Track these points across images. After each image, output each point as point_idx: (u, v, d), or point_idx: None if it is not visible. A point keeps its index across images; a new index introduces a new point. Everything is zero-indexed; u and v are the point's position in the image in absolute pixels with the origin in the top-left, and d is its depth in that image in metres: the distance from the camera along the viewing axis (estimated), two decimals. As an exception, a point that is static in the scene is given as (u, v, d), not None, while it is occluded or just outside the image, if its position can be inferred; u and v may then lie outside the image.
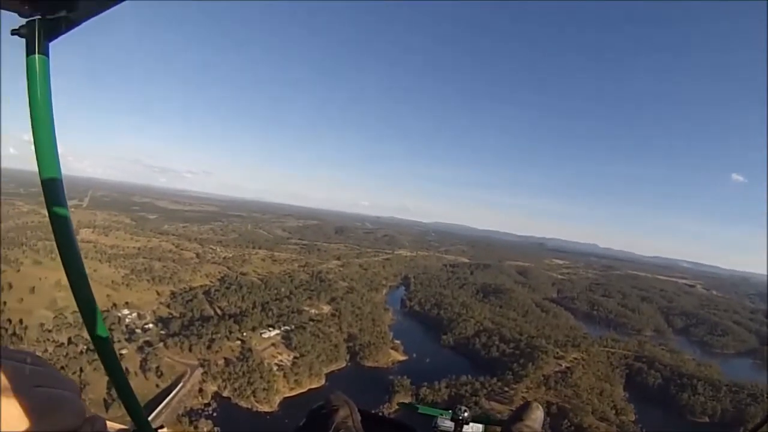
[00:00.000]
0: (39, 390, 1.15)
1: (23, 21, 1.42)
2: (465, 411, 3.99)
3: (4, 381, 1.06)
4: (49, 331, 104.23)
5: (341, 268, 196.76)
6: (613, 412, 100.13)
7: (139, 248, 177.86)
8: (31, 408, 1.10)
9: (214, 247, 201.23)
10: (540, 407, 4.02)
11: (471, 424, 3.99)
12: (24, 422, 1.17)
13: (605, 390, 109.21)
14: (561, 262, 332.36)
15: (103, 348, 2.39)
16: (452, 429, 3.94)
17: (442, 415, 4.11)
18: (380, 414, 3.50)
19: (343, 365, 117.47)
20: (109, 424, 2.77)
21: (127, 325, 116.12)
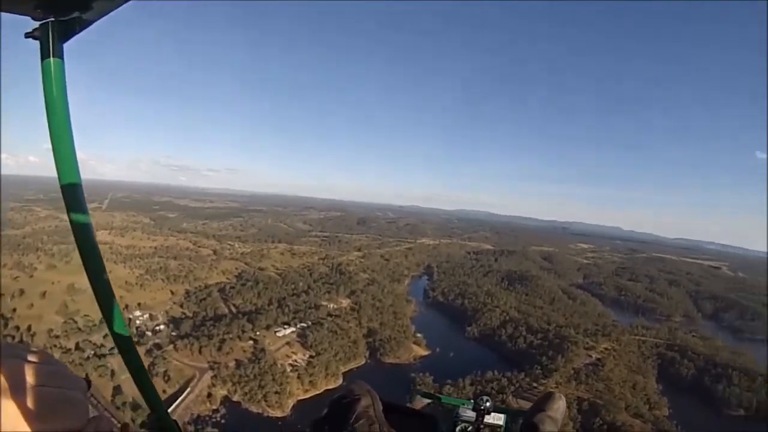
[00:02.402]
0: (43, 389, 1.21)
1: (36, 24, 1.60)
2: (487, 401, 3.72)
3: (8, 380, 1.17)
4: (57, 336, 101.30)
5: (362, 260, 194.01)
6: (647, 406, 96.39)
7: (155, 248, 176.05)
8: (32, 408, 1.16)
9: (233, 243, 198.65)
10: (562, 397, 3.87)
11: (493, 414, 3.78)
12: (25, 422, 1.16)
13: (638, 383, 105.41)
14: (585, 246, 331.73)
15: (126, 349, 2.66)
16: (473, 419, 3.74)
17: (464, 405, 3.96)
18: (402, 404, 3.55)
19: (362, 363, 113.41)
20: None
21: (137, 327, 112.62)
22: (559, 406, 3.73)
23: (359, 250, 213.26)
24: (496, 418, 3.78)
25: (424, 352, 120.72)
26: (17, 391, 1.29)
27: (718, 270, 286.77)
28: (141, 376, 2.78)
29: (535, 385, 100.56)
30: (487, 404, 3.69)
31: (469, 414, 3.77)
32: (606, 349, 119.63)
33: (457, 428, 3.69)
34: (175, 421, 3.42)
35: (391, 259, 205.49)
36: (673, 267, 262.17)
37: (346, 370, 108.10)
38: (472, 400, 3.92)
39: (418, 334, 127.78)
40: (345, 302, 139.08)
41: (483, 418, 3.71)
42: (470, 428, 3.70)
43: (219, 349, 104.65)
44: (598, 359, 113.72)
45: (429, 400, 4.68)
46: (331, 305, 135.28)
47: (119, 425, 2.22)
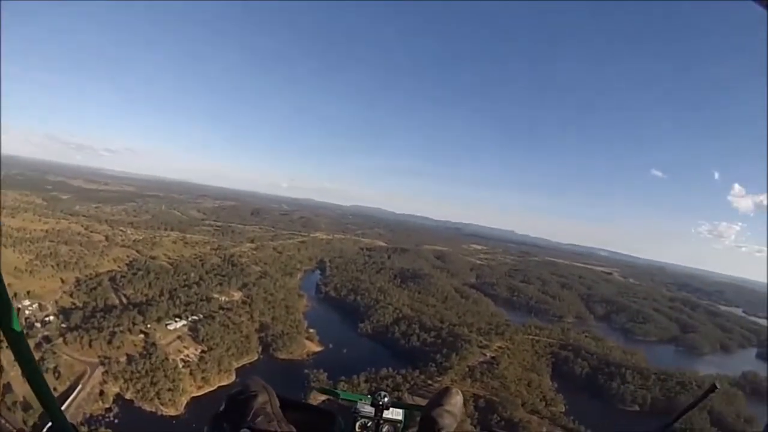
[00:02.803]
0: None
1: None
2: (385, 396, 3.96)
3: None
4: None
5: (255, 252, 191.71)
6: (543, 403, 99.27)
7: (47, 231, 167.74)
8: None
9: (125, 229, 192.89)
10: (459, 392, 4.20)
11: (391, 409, 3.96)
12: None
13: (533, 380, 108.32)
14: (479, 247, 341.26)
15: (18, 344, 2.44)
16: (372, 414, 3.93)
17: (361, 400, 4.10)
18: (299, 400, 3.63)
19: (255, 358, 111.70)
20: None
21: (26, 318, 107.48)
22: (456, 401, 4.05)
23: (252, 241, 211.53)
24: (395, 413, 3.92)
25: (317, 348, 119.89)
26: None
27: (610, 275, 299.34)
28: (33, 373, 2.61)
29: (430, 382, 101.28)
30: (385, 399, 3.90)
31: (368, 409, 3.91)
32: (500, 347, 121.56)
33: (357, 424, 3.85)
34: (72, 424, 3.13)
35: (284, 252, 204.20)
36: (565, 271, 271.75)
37: (239, 365, 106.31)
38: (369, 396, 4.04)
39: (311, 330, 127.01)
40: (237, 295, 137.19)
41: (382, 413, 3.87)
42: (370, 424, 3.86)
43: (109, 342, 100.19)
44: (493, 357, 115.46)
45: (326, 396, 5.08)
46: (223, 298, 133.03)
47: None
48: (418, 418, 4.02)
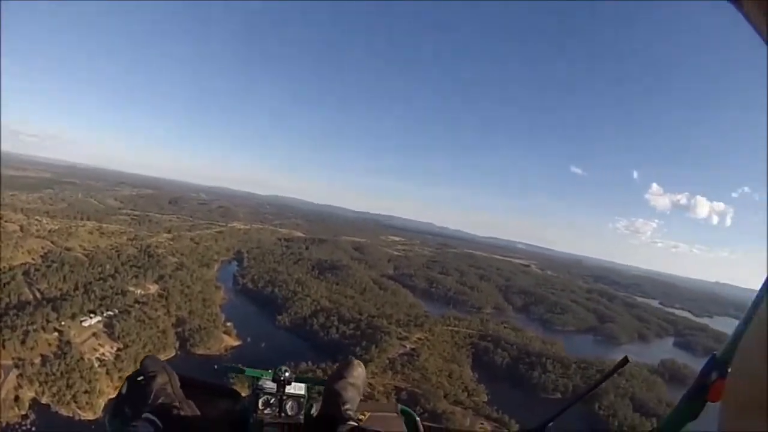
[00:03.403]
0: None
1: None
2: (286, 371, 3.81)
3: None
4: None
5: (172, 242, 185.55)
6: (465, 394, 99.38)
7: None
8: None
9: (41, 219, 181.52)
10: (361, 364, 4.23)
11: (293, 384, 3.88)
12: None
13: (454, 371, 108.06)
14: (397, 238, 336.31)
15: None
16: (275, 390, 3.79)
17: (263, 375, 3.99)
18: (200, 379, 3.83)
19: (173, 354, 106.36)
20: None
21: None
22: (359, 373, 4.01)
23: (169, 231, 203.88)
24: (297, 388, 3.85)
25: (235, 342, 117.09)
26: None
27: (528, 267, 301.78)
28: None
29: None
30: (287, 374, 3.76)
31: (270, 385, 3.77)
32: (419, 339, 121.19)
33: (260, 401, 3.69)
34: None
35: (201, 242, 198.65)
36: (483, 263, 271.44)
37: None
38: (271, 371, 3.91)
39: (228, 323, 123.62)
40: (153, 288, 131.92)
41: (284, 388, 3.74)
42: (273, 400, 3.72)
43: (23, 342, 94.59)
44: (413, 349, 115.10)
45: (231, 374, 5.03)
46: (139, 291, 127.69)
47: None
48: (321, 392, 4.06)
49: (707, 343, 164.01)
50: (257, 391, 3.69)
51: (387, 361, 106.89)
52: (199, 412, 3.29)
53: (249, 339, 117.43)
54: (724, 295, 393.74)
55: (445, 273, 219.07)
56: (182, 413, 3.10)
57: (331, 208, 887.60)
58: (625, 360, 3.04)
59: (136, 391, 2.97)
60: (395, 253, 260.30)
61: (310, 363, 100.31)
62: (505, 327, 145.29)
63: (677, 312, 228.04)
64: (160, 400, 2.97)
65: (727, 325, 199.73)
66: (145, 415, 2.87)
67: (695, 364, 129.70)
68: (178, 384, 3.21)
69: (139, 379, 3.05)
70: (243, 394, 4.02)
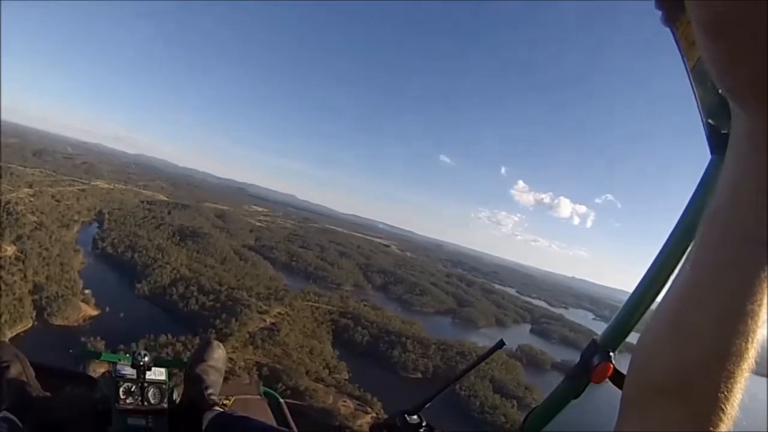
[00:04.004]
0: None
1: None
2: (146, 355, 3.79)
3: None
4: None
5: (32, 198, 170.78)
6: (327, 371, 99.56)
7: None
8: None
9: None
10: (221, 345, 4.38)
11: (153, 368, 3.80)
12: None
13: (315, 348, 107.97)
14: (260, 209, 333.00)
15: None
16: (135, 376, 3.72)
17: (121, 360, 3.91)
18: (55, 366, 3.78)
19: (30, 325, 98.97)
20: None
21: None
22: (219, 355, 4.15)
23: (31, 186, 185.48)
24: (158, 373, 3.76)
25: (94, 312, 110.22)
26: None
27: (388, 248, 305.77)
28: None
29: None
30: (146, 359, 3.69)
31: (129, 371, 3.67)
32: (280, 313, 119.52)
33: (121, 389, 3.58)
34: None
35: (62, 200, 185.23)
36: (344, 240, 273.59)
37: (13, 335, 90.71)
38: (129, 355, 3.84)
39: (86, 291, 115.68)
40: (10, 249, 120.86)
41: (144, 374, 3.68)
42: (134, 388, 3.62)
43: None
44: (273, 324, 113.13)
45: (87, 358, 5.01)
46: None
47: None
48: (183, 375, 4.05)
49: (563, 332, 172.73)
50: (117, 378, 3.57)
51: (247, 336, 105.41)
52: (58, 405, 3.18)
53: (108, 308, 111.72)
54: (580, 289, 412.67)
55: (306, 247, 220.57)
56: (41, 408, 3.00)
57: (196, 172, 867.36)
58: (501, 343, 3.01)
59: None
60: (257, 223, 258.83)
61: (169, 335, 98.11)
62: (365, 305, 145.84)
63: (534, 301, 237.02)
64: (13, 390, 2.89)
65: (581, 317, 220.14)
66: (2, 413, 2.82)
67: (551, 351, 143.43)
68: (33, 373, 3.11)
69: None
70: (98, 377, 3.85)
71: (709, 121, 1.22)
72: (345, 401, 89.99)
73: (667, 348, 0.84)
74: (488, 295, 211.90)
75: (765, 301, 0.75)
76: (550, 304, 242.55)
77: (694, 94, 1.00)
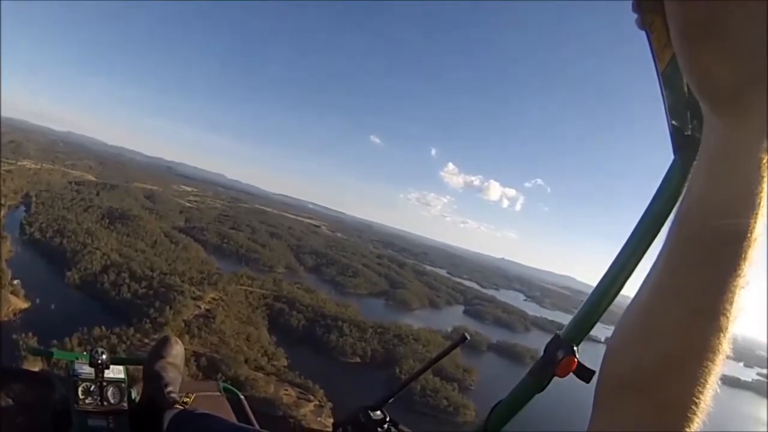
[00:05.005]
0: None
1: None
2: (103, 353, 3.69)
3: None
4: None
5: None
6: (265, 358, 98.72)
7: None
8: None
9: None
10: (179, 341, 4.24)
11: (112, 367, 3.70)
12: None
13: (251, 334, 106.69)
14: (189, 189, 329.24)
15: None
16: (93, 375, 3.60)
17: (78, 358, 3.77)
18: (10, 366, 3.70)
19: None
20: None
21: None
22: (177, 352, 4.03)
23: None
24: (116, 371, 3.68)
25: (24, 305, 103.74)
26: None
27: (318, 228, 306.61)
28: None
29: (146, 341, 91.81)
30: (104, 357, 3.60)
31: (87, 370, 3.56)
32: (214, 299, 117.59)
33: (79, 389, 3.47)
34: None
35: None
36: (275, 221, 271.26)
37: None
38: (86, 353, 3.73)
39: (15, 281, 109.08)
40: None
41: (103, 373, 3.58)
42: (93, 387, 3.52)
43: None
44: (208, 310, 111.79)
45: (39, 356, 5.92)
46: None
47: None
48: (142, 372, 3.97)
49: (496, 312, 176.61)
50: (74, 377, 3.48)
51: (183, 324, 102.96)
52: (15, 406, 3.17)
53: (38, 300, 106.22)
54: (510, 270, 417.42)
55: (236, 228, 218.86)
56: None
57: (124, 150, 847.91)
58: (464, 337, 3.02)
59: None
60: (187, 204, 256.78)
61: (103, 328, 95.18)
62: (298, 288, 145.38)
63: (465, 282, 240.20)
64: None
65: (512, 298, 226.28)
66: None
67: (486, 332, 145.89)
68: None
69: None
70: (53, 376, 3.77)
71: (674, 122, 1.48)
72: (287, 389, 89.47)
73: (639, 346, 0.84)
74: (420, 276, 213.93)
75: (736, 299, 0.75)
76: (481, 286, 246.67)
77: (662, 96, 1.35)
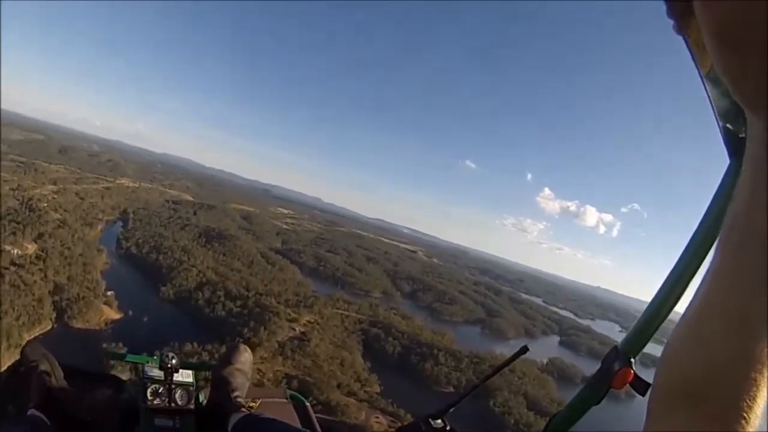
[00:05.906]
0: None
1: None
2: (173, 357, 3.81)
3: None
4: None
5: (56, 195, 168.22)
6: (358, 384, 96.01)
7: None
8: None
9: None
10: (248, 349, 4.33)
11: (181, 371, 3.86)
12: None
13: (345, 359, 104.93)
14: (286, 211, 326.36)
15: None
16: (162, 378, 3.76)
17: (148, 362, 3.98)
18: (81, 367, 3.72)
19: (49, 327, 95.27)
20: None
21: None
22: (246, 359, 4.09)
23: (55, 183, 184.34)
24: (185, 375, 3.81)
25: (116, 315, 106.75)
26: None
27: (415, 254, 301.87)
28: None
29: None
30: (174, 361, 3.73)
31: (157, 373, 3.71)
32: (309, 322, 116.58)
33: (148, 390, 3.62)
34: None
35: (86, 198, 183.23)
36: (370, 244, 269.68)
37: (32, 337, 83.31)
38: (156, 357, 3.90)
39: (109, 293, 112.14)
40: (31, 247, 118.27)
41: (172, 376, 3.72)
42: (161, 390, 3.67)
43: None
44: (303, 333, 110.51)
45: (115, 360, 4.95)
46: (16, 251, 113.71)
47: None
48: (209, 378, 4.09)
49: (591, 344, 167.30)
50: (145, 379, 3.63)
51: (277, 345, 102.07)
52: (85, 404, 3.21)
53: (131, 312, 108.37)
54: (604, 299, 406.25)
55: (333, 251, 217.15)
56: (69, 406, 3.05)
57: (221, 173, 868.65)
58: (525, 349, 3.11)
59: (17, 383, 2.93)
60: (284, 226, 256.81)
61: (195, 344, 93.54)
62: (394, 314, 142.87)
63: (561, 312, 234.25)
64: (44, 393, 2.92)
65: (607, 329, 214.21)
66: (31, 411, 2.86)
67: (582, 365, 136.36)
68: (62, 374, 3.14)
69: (20, 370, 3.02)
70: (126, 378, 3.91)
71: (727, 125, 1.61)
72: (378, 417, 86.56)
73: (690, 355, 0.83)
74: (516, 304, 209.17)
75: None
76: (576, 315, 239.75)
77: (709, 100, 1.38)
